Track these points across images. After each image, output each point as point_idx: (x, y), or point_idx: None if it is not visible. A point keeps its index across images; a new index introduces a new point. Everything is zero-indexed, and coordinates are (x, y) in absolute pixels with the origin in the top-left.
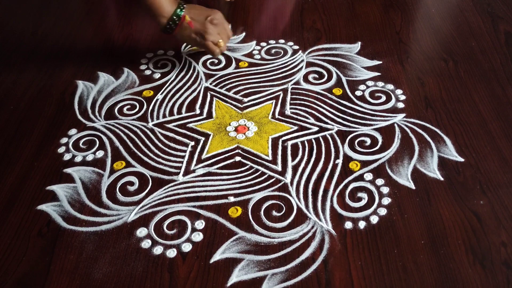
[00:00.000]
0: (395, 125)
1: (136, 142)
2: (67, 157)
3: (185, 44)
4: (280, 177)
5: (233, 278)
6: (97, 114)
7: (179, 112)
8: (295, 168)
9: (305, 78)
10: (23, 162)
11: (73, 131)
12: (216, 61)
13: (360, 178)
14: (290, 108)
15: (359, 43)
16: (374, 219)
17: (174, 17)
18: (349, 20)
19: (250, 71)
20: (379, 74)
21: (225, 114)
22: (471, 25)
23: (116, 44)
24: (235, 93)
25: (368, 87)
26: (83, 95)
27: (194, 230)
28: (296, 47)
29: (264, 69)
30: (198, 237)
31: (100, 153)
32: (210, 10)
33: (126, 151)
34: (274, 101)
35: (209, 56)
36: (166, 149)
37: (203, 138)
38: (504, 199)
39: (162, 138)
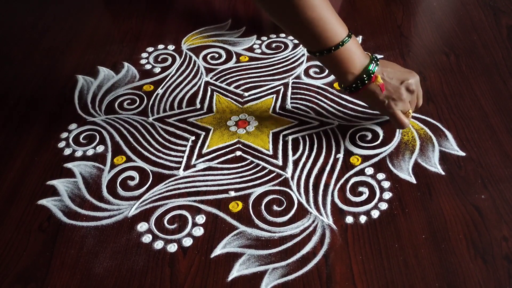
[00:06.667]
0: None
1: (136, 137)
2: (67, 151)
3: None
4: (281, 172)
5: (234, 273)
6: (97, 108)
7: (179, 107)
8: (295, 163)
9: (306, 73)
10: (24, 157)
11: (73, 126)
12: (217, 55)
13: (361, 172)
14: (291, 103)
15: (360, 37)
16: (375, 214)
17: (365, 76)
18: (350, 13)
19: (250, 65)
20: None
21: (225, 109)
22: (473, 19)
23: (116, 38)
24: (236, 87)
25: None
26: (83, 89)
27: (194, 224)
28: (297, 41)
29: (264, 64)
30: (198, 231)
31: (100, 148)
32: (407, 71)
33: (126, 145)
34: (274, 95)
35: (209, 50)
36: (167, 143)
37: (203, 133)
38: (506, 193)
39: (162, 132)
